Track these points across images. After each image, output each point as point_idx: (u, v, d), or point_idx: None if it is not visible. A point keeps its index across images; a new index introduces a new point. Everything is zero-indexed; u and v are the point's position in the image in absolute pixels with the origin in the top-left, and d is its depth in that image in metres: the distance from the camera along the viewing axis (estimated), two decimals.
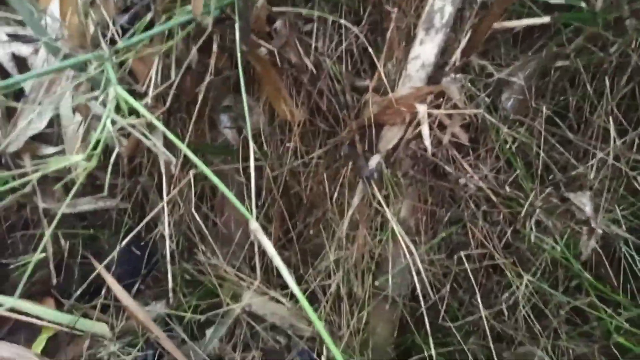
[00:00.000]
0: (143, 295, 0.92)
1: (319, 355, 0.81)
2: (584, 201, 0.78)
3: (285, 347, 0.83)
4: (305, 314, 0.85)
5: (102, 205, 0.97)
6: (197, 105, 0.79)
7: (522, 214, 0.88)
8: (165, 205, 0.81)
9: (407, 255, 0.80)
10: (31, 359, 0.75)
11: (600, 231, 0.76)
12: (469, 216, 0.92)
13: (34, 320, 0.81)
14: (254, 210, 0.49)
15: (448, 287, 0.84)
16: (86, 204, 0.97)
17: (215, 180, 0.45)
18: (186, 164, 0.92)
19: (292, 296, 0.88)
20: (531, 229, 0.88)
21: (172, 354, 0.82)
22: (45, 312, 0.82)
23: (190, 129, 0.77)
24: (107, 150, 0.95)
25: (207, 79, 0.74)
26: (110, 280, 0.84)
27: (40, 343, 0.80)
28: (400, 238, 0.79)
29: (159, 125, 0.50)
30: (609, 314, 0.81)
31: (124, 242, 0.78)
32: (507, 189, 0.90)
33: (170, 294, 0.86)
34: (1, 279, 0.86)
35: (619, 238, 0.78)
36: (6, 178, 0.54)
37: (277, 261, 0.38)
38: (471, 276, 0.88)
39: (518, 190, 0.90)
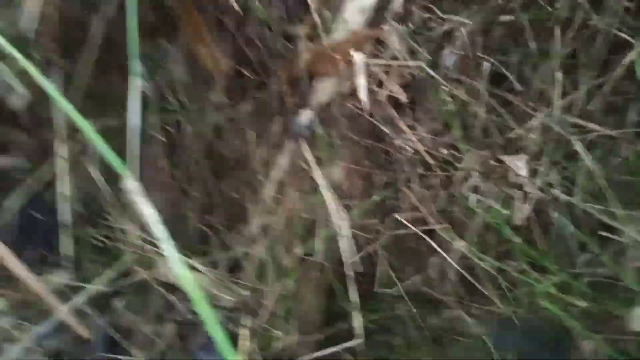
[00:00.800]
0: (50, 265, 0.82)
1: (244, 325, 0.75)
2: (519, 164, 0.76)
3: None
4: (228, 283, 0.78)
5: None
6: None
7: (458, 177, 0.85)
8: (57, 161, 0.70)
9: (338, 220, 0.75)
10: None
11: (534, 196, 0.74)
12: (405, 180, 0.88)
13: None
14: (135, 168, 0.41)
15: (379, 252, 0.80)
16: None
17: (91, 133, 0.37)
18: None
19: (215, 264, 0.81)
20: (467, 193, 0.85)
21: (75, 328, 0.73)
22: None
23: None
24: None
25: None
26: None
27: None
28: (330, 201, 0.74)
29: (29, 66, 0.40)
30: (535, 279, 0.80)
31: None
32: (444, 151, 0.86)
33: (65, 262, 0.76)
34: None
35: (551, 203, 0.77)
36: None
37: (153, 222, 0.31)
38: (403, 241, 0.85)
39: (455, 152, 0.86)
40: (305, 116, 0.67)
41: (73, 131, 0.82)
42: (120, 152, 0.87)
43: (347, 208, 0.84)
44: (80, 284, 0.77)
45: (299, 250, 0.78)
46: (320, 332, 0.79)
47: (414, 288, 0.86)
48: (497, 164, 0.82)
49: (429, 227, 0.87)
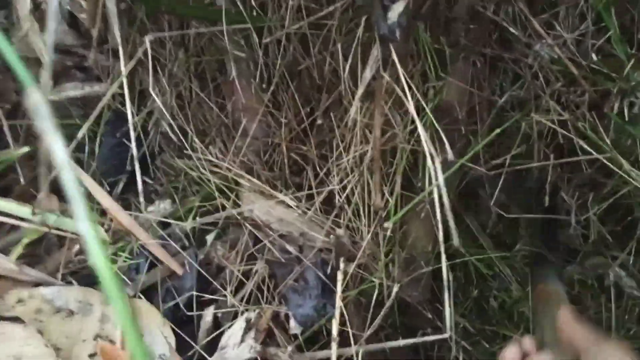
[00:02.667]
0: (144, 197, 0.80)
1: (335, 269, 0.66)
2: None
3: (295, 258, 0.69)
4: (320, 220, 0.69)
5: (90, 91, 0.83)
6: None
7: (614, 91, 0.65)
8: (151, 84, 0.65)
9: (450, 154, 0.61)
10: (5, 265, 0.66)
11: None
12: (537, 99, 0.70)
13: (13, 221, 0.71)
14: None
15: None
16: (72, 90, 0.84)
17: None
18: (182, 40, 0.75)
19: (307, 199, 0.72)
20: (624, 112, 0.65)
21: (166, 262, 0.71)
22: (27, 212, 0.72)
23: None
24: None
25: None
26: (86, 178, 0.72)
27: (16, 247, 0.70)
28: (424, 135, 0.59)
29: None
30: None
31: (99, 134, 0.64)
32: (594, 57, 0.66)
33: (157, 195, 0.73)
34: None
35: None
36: None
37: None
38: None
39: (609, 59, 0.66)
40: (395, 12, 0.51)
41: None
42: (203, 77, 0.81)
43: (462, 137, 0.69)
44: (170, 220, 0.74)
45: (399, 186, 0.66)
46: (428, 279, 0.67)
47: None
48: None
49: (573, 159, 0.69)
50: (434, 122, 0.56)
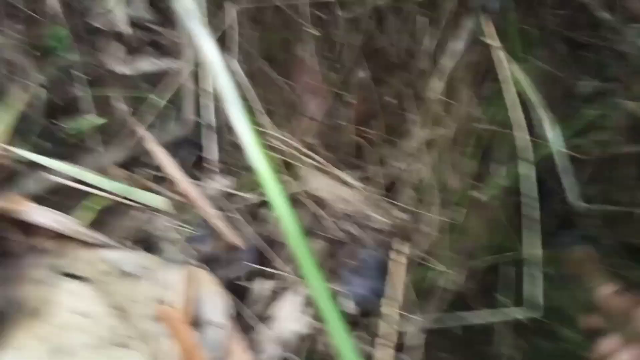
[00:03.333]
0: (206, 170, 0.81)
1: (398, 252, 0.65)
2: None
3: (355, 239, 0.68)
4: (383, 203, 0.68)
5: (163, 66, 0.85)
6: None
7: None
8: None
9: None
10: (73, 228, 0.69)
11: None
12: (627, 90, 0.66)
13: (87, 188, 0.74)
14: None
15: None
16: (146, 65, 0.86)
17: None
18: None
19: (370, 181, 0.71)
20: None
21: (227, 236, 0.71)
22: (99, 181, 0.75)
23: None
24: None
25: None
26: (154, 147, 0.74)
27: (87, 213, 0.73)
28: (515, 110, 0.56)
29: None
30: None
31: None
32: None
33: (218, 168, 0.73)
34: (57, 140, 0.80)
35: None
36: None
37: None
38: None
39: None
40: None
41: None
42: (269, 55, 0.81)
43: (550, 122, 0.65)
44: (235, 191, 0.75)
45: (471, 173, 0.63)
46: (485, 274, 0.64)
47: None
48: None
49: None
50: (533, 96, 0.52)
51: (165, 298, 0.66)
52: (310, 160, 0.73)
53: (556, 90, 0.62)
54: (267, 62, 0.80)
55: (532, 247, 0.56)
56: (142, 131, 0.77)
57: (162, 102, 0.79)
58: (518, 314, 0.56)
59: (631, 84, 0.62)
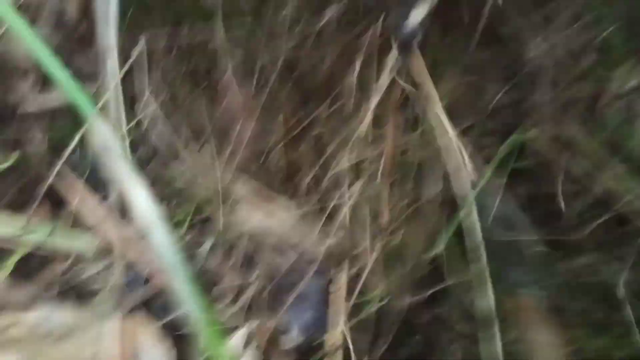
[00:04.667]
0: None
1: (337, 280, 0.65)
2: None
3: (293, 269, 0.67)
4: (318, 229, 0.68)
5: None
6: None
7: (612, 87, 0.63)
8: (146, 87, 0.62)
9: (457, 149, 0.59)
10: None
11: None
12: (535, 93, 0.68)
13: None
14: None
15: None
16: (57, 99, 0.80)
17: None
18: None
19: (302, 206, 0.71)
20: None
21: (159, 277, 0.69)
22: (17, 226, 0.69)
23: None
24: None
25: None
26: (79, 189, 0.69)
27: (7, 266, 0.67)
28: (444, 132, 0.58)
29: None
30: None
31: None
32: (594, 55, 0.65)
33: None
34: None
35: None
36: None
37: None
38: None
39: (606, 54, 0.64)
40: (419, 14, 0.48)
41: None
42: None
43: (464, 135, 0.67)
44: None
45: (402, 193, 0.64)
46: (428, 288, 0.66)
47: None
48: None
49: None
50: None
51: (100, 352, 0.63)
52: (241, 189, 0.72)
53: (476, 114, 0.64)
54: (189, 87, 0.77)
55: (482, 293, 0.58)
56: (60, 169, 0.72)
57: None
58: None
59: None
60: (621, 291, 0.62)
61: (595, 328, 0.65)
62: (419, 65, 0.53)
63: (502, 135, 0.66)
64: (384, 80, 0.63)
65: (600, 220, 0.63)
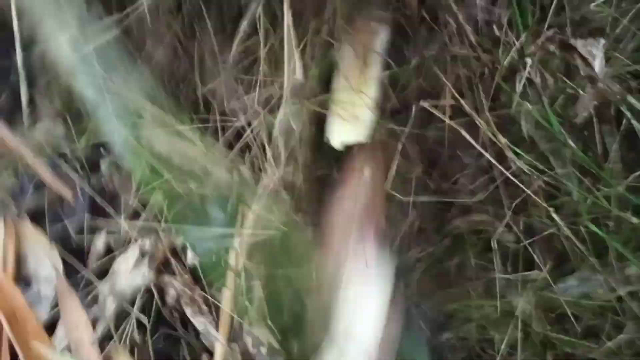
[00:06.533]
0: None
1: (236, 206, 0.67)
2: (593, 52, 0.60)
3: (196, 194, 0.68)
4: (224, 158, 0.69)
5: None
6: None
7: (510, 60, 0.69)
8: None
9: None
10: None
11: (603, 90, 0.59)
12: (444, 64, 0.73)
13: None
14: None
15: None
16: None
17: None
18: None
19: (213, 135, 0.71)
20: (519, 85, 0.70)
21: (54, 187, 0.67)
22: None
23: None
24: None
25: None
26: None
27: None
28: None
29: None
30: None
31: None
32: (495, 30, 0.70)
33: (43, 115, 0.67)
34: None
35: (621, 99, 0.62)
36: None
37: None
38: None
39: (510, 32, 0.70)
40: None
41: None
42: None
43: None
44: (62, 140, 0.69)
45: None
46: None
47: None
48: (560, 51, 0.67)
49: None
50: None
51: None
52: (152, 110, 0.71)
53: None
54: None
55: None
56: None
57: None
58: None
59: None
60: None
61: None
62: None
63: None
64: None
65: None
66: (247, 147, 0.67)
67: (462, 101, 0.66)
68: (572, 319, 0.66)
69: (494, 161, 0.65)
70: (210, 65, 0.73)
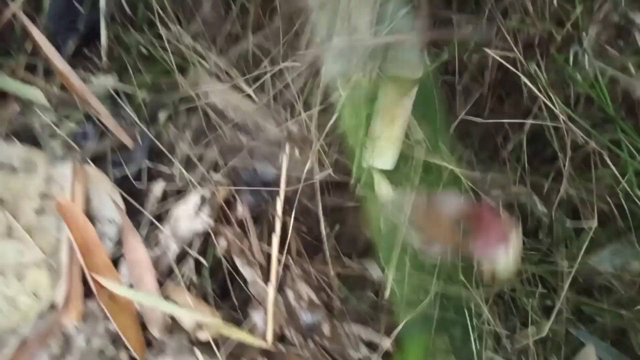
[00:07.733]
0: (87, 64, 0.76)
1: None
2: None
3: (246, 148, 0.71)
4: (276, 114, 0.71)
5: None
6: None
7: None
8: None
9: None
10: None
11: None
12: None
13: None
14: None
15: None
16: None
17: None
18: None
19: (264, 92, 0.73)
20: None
21: (115, 134, 0.70)
22: None
23: None
24: None
25: None
26: (38, 35, 0.68)
27: None
28: None
29: None
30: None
31: None
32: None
33: (107, 65, 0.70)
34: None
35: None
36: None
37: None
38: None
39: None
40: None
41: None
42: None
43: None
44: (123, 89, 0.73)
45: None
46: None
47: None
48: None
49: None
50: None
51: (49, 192, 0.65)
52: (205, 64, 0.73)
53: None
54: None
55: None
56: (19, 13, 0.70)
57: None
58: None
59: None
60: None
61: None
62: None
63: None
64: None
65: None
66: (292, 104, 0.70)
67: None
68: (606, 290, 0.69)
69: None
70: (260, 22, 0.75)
